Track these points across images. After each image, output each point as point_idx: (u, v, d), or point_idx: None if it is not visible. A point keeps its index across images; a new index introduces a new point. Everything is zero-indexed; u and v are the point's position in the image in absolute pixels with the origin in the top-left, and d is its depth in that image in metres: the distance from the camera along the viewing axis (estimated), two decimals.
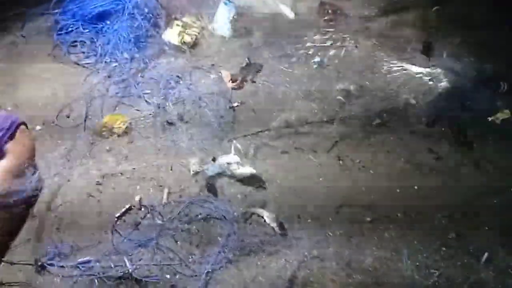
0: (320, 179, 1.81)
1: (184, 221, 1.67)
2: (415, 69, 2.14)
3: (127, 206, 1.70)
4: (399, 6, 2.37)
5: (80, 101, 2.03)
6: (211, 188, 1.77)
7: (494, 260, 1.59)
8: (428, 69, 2.14)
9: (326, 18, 2.34)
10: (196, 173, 1.79)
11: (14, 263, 1.55)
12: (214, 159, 1.82)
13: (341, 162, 1.86)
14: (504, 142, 1.92)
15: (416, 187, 1.80)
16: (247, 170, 1.80)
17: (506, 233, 1.66)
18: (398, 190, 1.79)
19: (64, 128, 1.94)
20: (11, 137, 1.65)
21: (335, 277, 1.54)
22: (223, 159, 1.82)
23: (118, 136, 1.91)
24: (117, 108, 2.02)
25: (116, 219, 1.67)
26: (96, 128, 1.93)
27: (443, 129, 1.96)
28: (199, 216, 1.69)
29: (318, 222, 1.69)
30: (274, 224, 1.66)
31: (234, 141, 1.90)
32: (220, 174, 1.77)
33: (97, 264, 1.55)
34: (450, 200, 1.75)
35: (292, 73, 2.16)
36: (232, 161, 1.81)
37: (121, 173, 1.80)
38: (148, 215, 1.69)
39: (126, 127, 1.92)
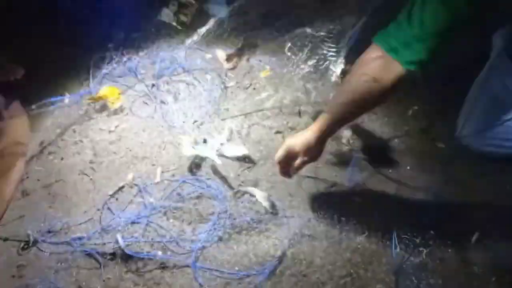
0: None
1: (176, 200, 1.68)
2: None
3: (120, 185, 1.72)
4: None
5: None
6: (197, 167, 1.78)
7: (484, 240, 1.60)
8: None
9: None
10: (189, 153, 1.79)
11: (7, 239, 1.57)
12: (205, 140, 1.82)
13: (335, 142, 1.87)
14: None
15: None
16: (240, 150, 1.81)
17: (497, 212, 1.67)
18: (390, 171, 1.80)
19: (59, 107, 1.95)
20: None
21: (324, 254, 1.56)
22: (215, 140, 1.82)
23: (114, 113, 1.92)
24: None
25: (108, 197, 1.68)
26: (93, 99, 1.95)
27: None
28: (191, 195, 1.70)
29: (310, 202, 1.70)
30: (266, 203, 1.66)
31: (227, 121, 1.91)
32: (212, 154, 1.77)
33: (89, 240, 1.56)
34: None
35: (289, 54, 2.14)
36: (225, 141, 1.82)
37: (114, 152, 1.81)
38: (141, 194, 1.70)
39: (120, 106, 1.93)
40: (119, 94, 1.96)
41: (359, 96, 1.35)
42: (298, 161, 1.48)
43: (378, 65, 1.31)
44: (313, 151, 1.46)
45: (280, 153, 1.48)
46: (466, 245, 1.59)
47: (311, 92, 2.02)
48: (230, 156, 1.80)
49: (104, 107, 1.94)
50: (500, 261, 1.55)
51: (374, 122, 1.95)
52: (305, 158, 1.47)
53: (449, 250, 1.58)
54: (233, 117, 1.93)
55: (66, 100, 1.95)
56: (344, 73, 2.04)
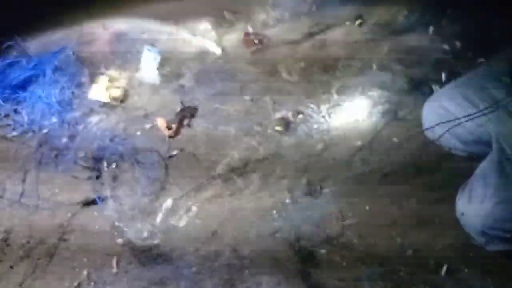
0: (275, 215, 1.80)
1: None
2: None
3: (75, 284, 1.62)
4: (324, 26, 2.37)
5: (13, 178, 1.94)
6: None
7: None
8: None
9: (253, 49, 2.32)
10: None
11: None
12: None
13: (290, 194, 1.84)
14: None
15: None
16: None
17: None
18: (350, 214, 1.78)
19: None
20: None
21: None
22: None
23: None
24: (54, 179, 1.93)
25: None
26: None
27: None
28: (153, 280, 1.63)
29: (274, 266, 1.65)
30: None
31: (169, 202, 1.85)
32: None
33: None
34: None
35: (228, 111, 2.12)
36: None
37: (64, 249, 1.72)
38: None
39: None
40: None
41: None
42: None
43: None
44: None
45: None
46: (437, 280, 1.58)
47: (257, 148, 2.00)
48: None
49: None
50: None
51: None
52: None
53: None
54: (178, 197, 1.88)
55: None
56: None
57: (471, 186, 1.65)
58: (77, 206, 1.85)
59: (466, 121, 1.70)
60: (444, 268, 1.60)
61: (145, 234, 1.74)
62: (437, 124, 1.78)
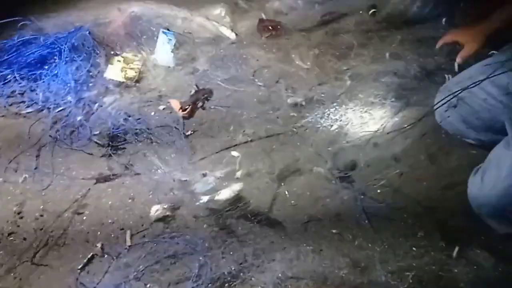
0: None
1: (152, 262, 1.61)
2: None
3: (89, 256, 1.63)
4: (337, 15, 2.40)
5: (27, 154, 1.95)
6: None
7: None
8: None
9: (267, 35, 2.34)
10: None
11: None
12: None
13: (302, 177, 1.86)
14: None
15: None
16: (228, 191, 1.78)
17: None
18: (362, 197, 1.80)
19: (12, 183, 1.85)
20: None
21: None
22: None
23: None
24: (68, 156, 1.95)
25: (79, 271, 1.59)
26: None
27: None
28: (166, 254, 1.64)
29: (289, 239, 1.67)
30: None
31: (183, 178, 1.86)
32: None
33: None
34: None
35: (241, 95, 2.14)
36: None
37: (79, 223, 1.73)
38: (113, 262, 1.62)
39: None
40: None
41: None
42: None
43: None
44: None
45: None
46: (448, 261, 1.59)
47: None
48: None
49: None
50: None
51: None
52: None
53: (433, 268, 1.57)
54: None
55: None
56: None
57: (484, 169, 1.66)
58: (91, 182, 1.86)
59: (470, 87, 1.69)
60: (456, 249, 1.61)
61: (159, 209, 1.75)
62: (442, 100, 1.78)
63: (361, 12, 2.41)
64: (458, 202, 1.73)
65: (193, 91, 2.14)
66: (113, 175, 1.88)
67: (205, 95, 2.13)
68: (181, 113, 2.07)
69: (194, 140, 2.00)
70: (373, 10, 2.38)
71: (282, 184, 1.83)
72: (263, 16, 2.42)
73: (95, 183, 1.86)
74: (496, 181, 1.57)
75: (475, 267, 1.58)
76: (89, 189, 1.84)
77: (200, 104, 2.11)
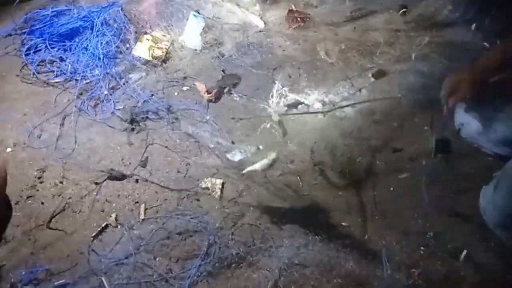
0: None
1: (163, 237, 1.65)
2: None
3: (103, 225, 1.68)
4: (366, 12, 2.40)
5: (51, 122, 2.01)
6: None
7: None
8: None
9: (295, 26, 2.36)
10: None
11: None
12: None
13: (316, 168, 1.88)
14: None
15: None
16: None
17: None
18: (375, 193, 1.81)
19: (35, 149, 1.90)
20: None
21: (316, 282, 1.54)
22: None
23: None
24: (91, 127, 2.00)
25: (92, 238, 1.64)
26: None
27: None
28: (177, 230, 1.67)
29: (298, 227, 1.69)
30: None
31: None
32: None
33: (75, 286, 1.51)
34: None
35: (266, 83, 2.15)
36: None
37: (96, 193, 1.78)
38: (125, 233, 1.66)
39: None
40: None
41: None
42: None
43: None
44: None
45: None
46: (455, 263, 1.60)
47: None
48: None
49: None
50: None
51: None
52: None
53: (440, 268, 1.58)
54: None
55: None
56: None
57: (498, 179, 1.66)
58: (111, 153, 1.91)
59: None
60: (464, 252, 1.61)
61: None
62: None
63: (391, 11, 2.40)
64: (469, 208, 1.73)
65: (220, 76, 2.17)
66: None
67: (233, 81, 2.14)
68: (206, 96, 2.09)
69: (212, 123, 2.03)
70: (404, 9, 2.38)
71: None
72: (293, 7, 2.44)
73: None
74: (507, 192, 1.57)
75: (482, 271, 1.58)
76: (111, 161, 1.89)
77: (227, 89, 2.13)
